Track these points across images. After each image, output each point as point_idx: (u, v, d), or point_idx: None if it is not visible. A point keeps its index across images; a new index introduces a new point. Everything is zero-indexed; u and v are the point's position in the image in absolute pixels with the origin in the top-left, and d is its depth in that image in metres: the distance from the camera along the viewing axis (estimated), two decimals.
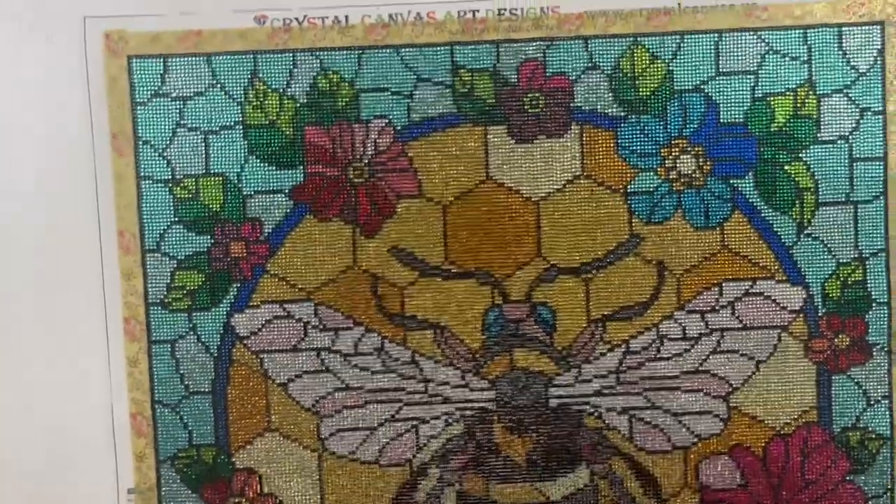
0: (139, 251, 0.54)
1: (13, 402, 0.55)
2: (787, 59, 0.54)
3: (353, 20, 0.53)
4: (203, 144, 0.54)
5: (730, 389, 0.56)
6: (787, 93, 0.54)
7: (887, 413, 0.56)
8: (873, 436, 0.56)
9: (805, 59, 0.54)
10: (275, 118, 0.54)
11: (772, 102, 0.54)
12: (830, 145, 0.54)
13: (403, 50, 0.54)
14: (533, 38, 0.54)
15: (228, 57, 0.53)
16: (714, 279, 0.55)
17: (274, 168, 0.54)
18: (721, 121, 0.54)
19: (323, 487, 0.55)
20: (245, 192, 0.54)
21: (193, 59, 0.53)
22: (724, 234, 0.55)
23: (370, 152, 0.54)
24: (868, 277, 0.55)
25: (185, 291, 0.55)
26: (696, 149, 0.54)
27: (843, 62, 0.54)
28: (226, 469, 0.55)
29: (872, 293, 0.55)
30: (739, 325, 0.55)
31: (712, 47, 0.54)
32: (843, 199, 0.54)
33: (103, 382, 0.55)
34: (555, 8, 0.53)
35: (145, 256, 0.54)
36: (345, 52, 0.54)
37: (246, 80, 0.54)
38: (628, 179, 0.54)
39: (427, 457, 0.56)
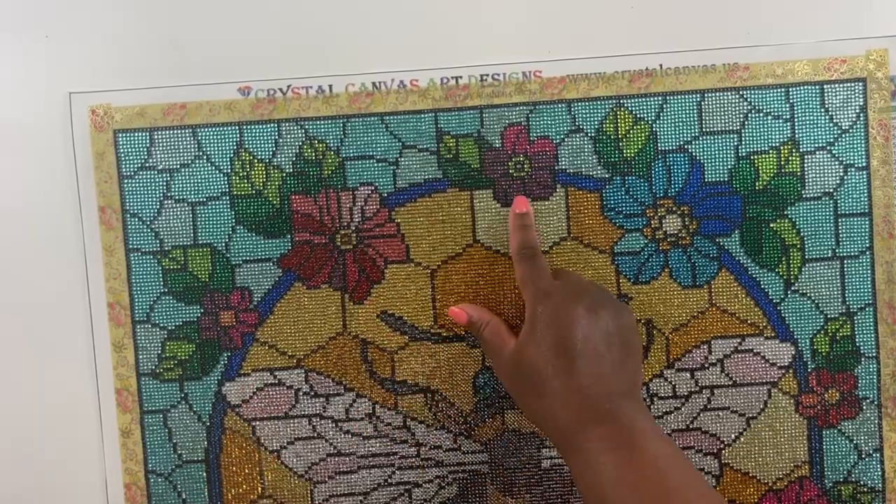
0: (129, 322, 0.55)
1: (8, 477, 0.55)
2: (769, 117, 0.54)
3: (338, 89, 0.54)
4: (190, 215, 0.54)
5: (721, 446, 0.56)
6: (771, 151, 0.54)
7: (878, 466, 0.56)
8: (865, 489, 0.56)
9: (788, 117, 0.54)
10: (261, 188, 0.54)
11: (756, 161, 0.54)
12: (815, 202, 0.54)
13: (388, 117, 0.54)
14: (516, 103, 0.54)
15: (214, 128, 0.54)
16: (703, 337, 0.55)
17: (261, 237, 0.54)
18: (706, 180, 0.54)
19: None
20: (233, 262, 0.54)
21: (179, 131, 0.54)
22: (712, 292, 0.55)
23: (357, 219, 0.54)
24: (856, 332, 0.55)
25: (175, 361, 0.55)
26: (682, 208, 0.54)
27: (825, 119, 0.54)
28: None
29: (861, 348, 0.55)
30: (729, 382, 0.55)
31: (695, 107, 0.54)
32: (830, 255, 0.55)
33: (96, 454, 0.55)
34: (537, 73, 0.54)
35: (136, 328, 0.55)
36: (330, 120, 0.54)
37: (232, 151, 0.54)
38: (615, 240, 0.55)
39: None
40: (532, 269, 0.50)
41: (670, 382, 0.55)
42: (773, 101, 0.54)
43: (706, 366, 0.55)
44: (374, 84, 0.54)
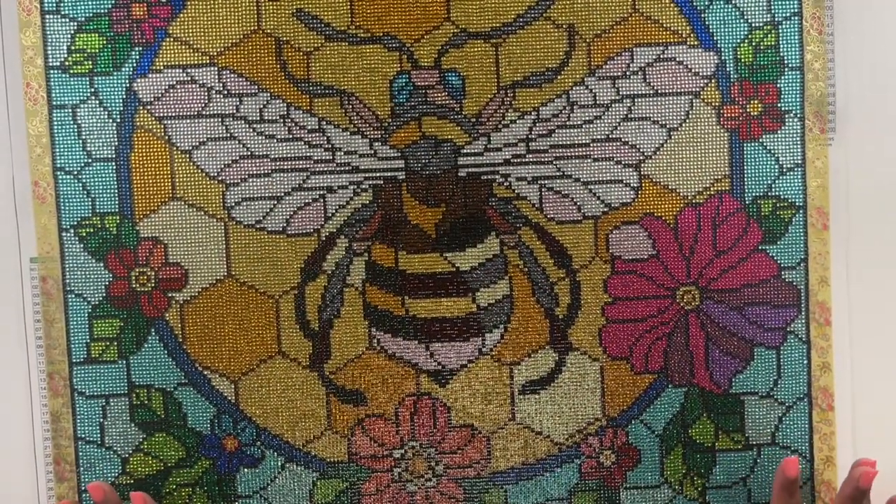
0: (38, 13, 0.53)
1: None
2: None
3: None
4: None
5: (641, 158, 0.55)
6: None
7: (800, 181, 0.55)
8: (785, 204, 0.55)
9: None
10: None
11: None
12: None
13: None
14: None
15: None
16: (625, 44, 0.54)
17: None
18: None
19: (229, 257, 0.55)
20: None
21: None
22: None
23: None
24: (781, 42, 0.54)
25: (85, 55, 0.53)
26: None
27: None
28: (130, 238, 0.54)
29: (785, 58, 0.54)
30: (651, 92, 0.54)
31: None
32: None
33: (2, 152, 0.54)
34: None
35: (44, 18, 0.53)
36: None
37: None
38: None
39: (335, 227, 0.55)
40: None
41: (591, 90, 0.54)
42: None
43: (628, 74, 0.54)
44: None
